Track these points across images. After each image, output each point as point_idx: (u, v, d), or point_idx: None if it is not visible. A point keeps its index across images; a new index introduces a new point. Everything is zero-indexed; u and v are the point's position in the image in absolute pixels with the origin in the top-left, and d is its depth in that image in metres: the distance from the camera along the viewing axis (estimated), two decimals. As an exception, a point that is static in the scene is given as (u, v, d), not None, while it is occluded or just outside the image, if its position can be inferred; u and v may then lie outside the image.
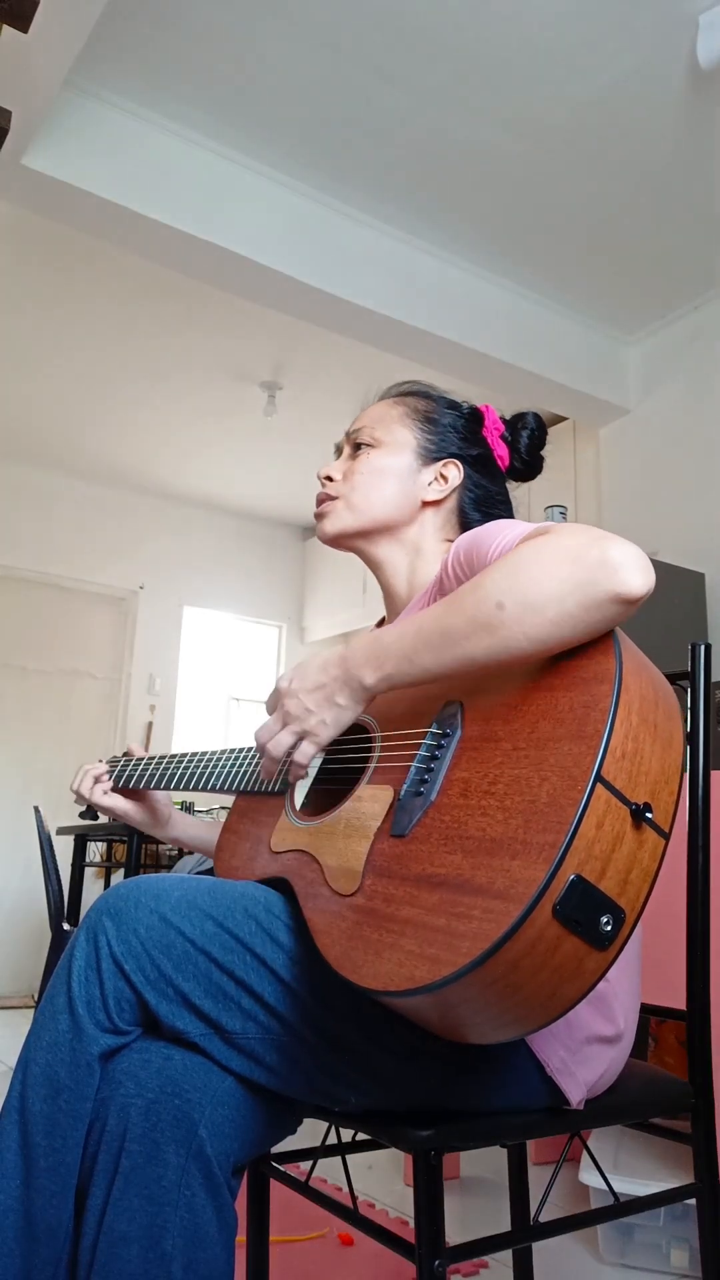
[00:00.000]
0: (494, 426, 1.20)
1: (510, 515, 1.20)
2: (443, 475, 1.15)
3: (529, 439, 1.21)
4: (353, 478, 1.16)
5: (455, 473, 1.16)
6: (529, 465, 1.22)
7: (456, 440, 1.18)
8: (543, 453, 1.23)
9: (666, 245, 3.29)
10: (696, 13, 2.39)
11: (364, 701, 0.88)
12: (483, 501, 1.18)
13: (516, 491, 1.24)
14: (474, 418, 1.20)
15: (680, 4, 2.37)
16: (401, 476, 1.15)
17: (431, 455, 1.16)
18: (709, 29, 2.37)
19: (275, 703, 0.93)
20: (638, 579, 0.74)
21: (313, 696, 0.89)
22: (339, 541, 1.17)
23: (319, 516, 1.18)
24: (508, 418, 1.23)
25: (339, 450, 1.22)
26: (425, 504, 1.15)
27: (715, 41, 2.36)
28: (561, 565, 0.76)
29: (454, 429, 1.18)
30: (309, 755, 0.90)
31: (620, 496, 3.82)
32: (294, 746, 0.90)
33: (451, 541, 1.15)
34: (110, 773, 1.22)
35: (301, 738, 0.90)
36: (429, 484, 1.15)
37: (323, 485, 1.19)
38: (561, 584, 0.75)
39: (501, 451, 1.20)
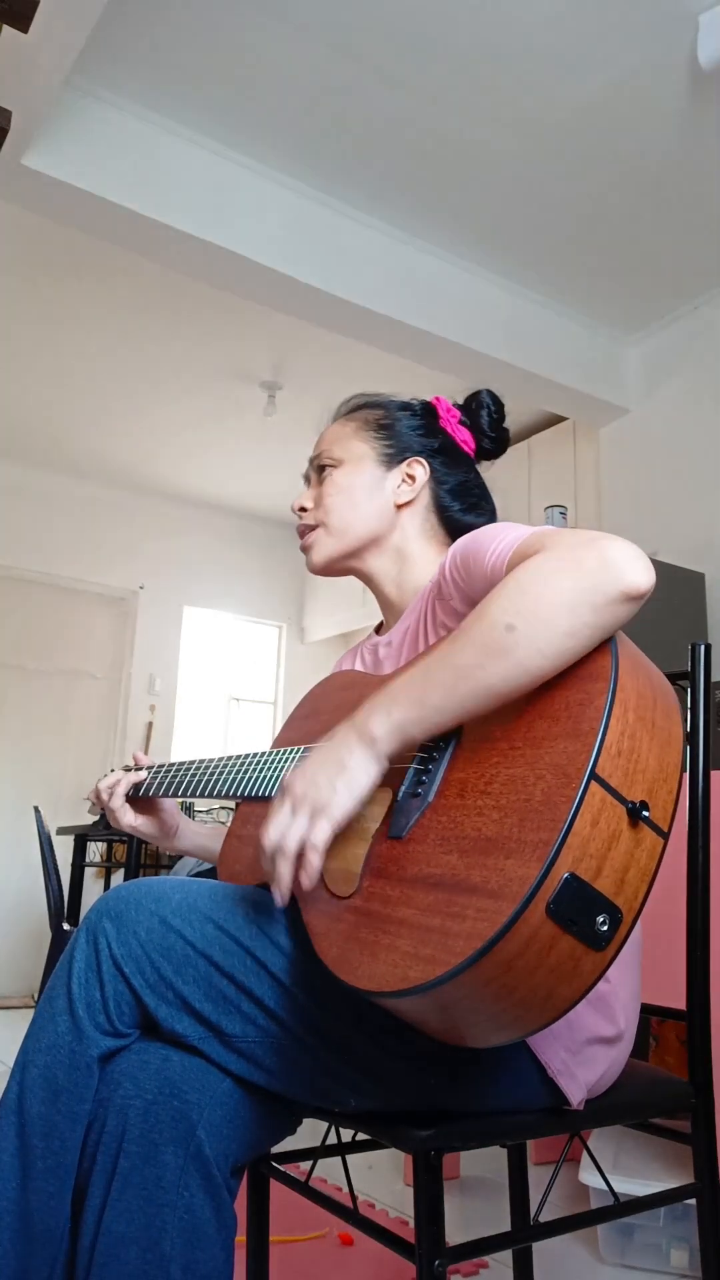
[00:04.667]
0: (449, 415, 1.20)
1: (488, 501, 1.19)
2: (409, 475, 1.15)
3: (488, 416, 1.21)
4: (324, 502, 1.15)
5: (420, 470, 1.15)
6: (495, 441, 1.21)
7: (415, 438, 1.17)
8: (506, 426, 1.22)
9: (666, 245, 3.28)
10: (696, 13, 2.39)
11: (381, 760, 0.80)
12: (458, 492, 1.17)
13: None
14: (428, 413, 1.20)
15: (680, 4, 2.37)
16: (369, 488, 1.14)
17: (393, 459, 1.15)
18: (709, 29, 2.37)
19: (279, 799, 0.82)
20: (641, 574, 0.75)
21: (321, 770, 0.80)
22: (330, 569, 1.17)
23: (304, 549, 1.18)
24: (460, 402, 1.22)
25: (307, 480, 1.22)
26: (399, 507, 1.14)
27: (715, 41, 2.36)
28: (565, 576, 0.76)
29: (410, 428, 1.18)
30: (326, 835, 0.78)
31: (620, 496, 3.81)
32: (309, 829, 0.78)
33: (437, 541, 1.15)
34: (135, 787, 1.20)
35: (315, 818, 0.78)
36: (398, 486, 1.15)
37: (299, 517, 1.18)
38: (569, 594, 0.75)
39: (464, 437, 1.19)
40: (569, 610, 0.74)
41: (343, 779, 0.79)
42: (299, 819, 0.79)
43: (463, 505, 1.17)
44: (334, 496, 1.15)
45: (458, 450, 1.19)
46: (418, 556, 1.14)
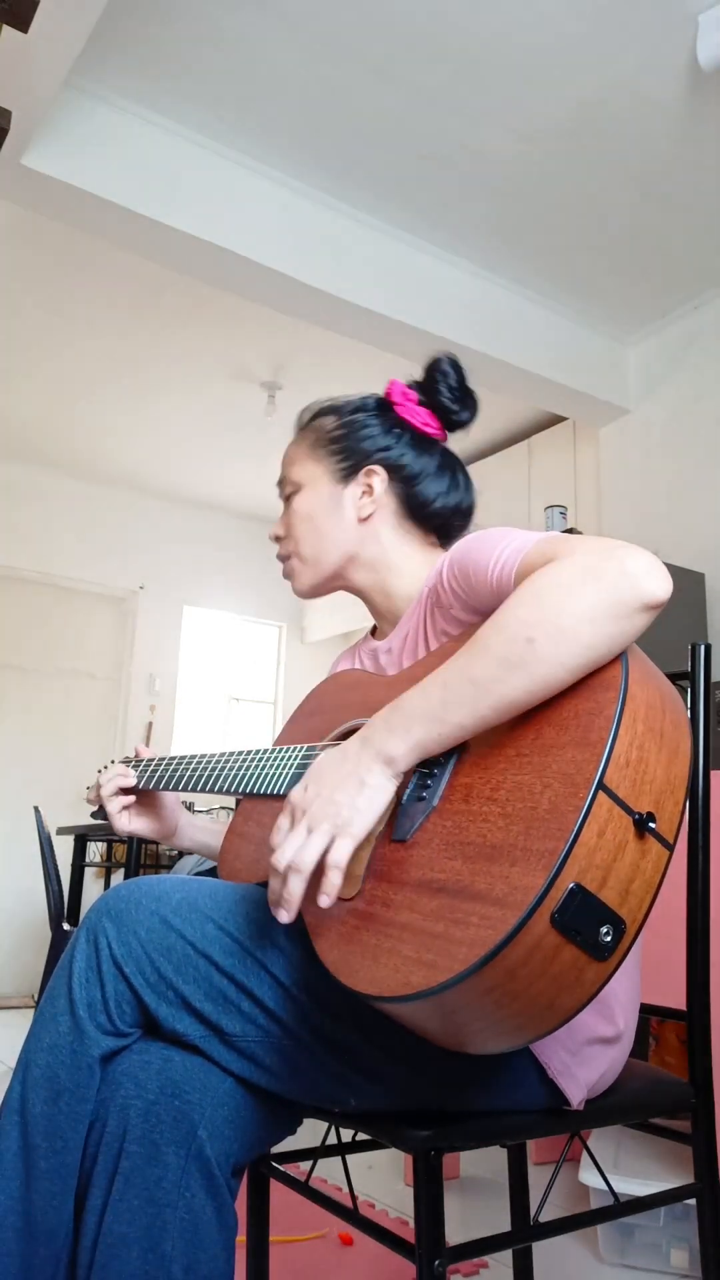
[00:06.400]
0: (405, 400, 1.13)
1: (460, 475, 1.15)
2: (367, 486, 1.10)
3: (448, 387, 1.12)
4: (293, 531, 1.13)
5: (378, 479, 1.10)
6: (462, 407, 1.13)
7: (371, 442, 1.12)
8: (470, 386, 1.14)
9: (666, 245, 3.28)
10: (696, 13, 2.39)
11: (398, 777, 0.80)
12: (427, 478, 1.12)
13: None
14: (383, 406, 1.14)
15: (680, 4, 2.37)
16: (329, 510, 1.11)
17: (349, 473, 1.11)
18: (709, 29, 2.37)
19: (291, 816, 0.81)
20: (660, 584, 0.75)
21: (339, 789, 0.79)
22: (316, 593, 1.15)
23: (286, 577, 1.16)
24: (419, 379, 1.15)
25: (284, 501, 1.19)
26: (363, 521, 1.10)
27: (715, 41, 2.36)
28: (584, 587, 0.75)
29: (366, 432, 1.12)
30: (346, 854, 0.77)
31: (620, 496, 3.82)
32: (327, 850, 0.78)
33: (417, 541, 1.12)
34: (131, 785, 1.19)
35: (334, 837, 0.77)
36: (358, 501, 1.10)
37: (277, 545, 1.16)
38: (590, 606, 0.74)
39: (424, 419, 1.12)
40: (590, 622, 0.74)
41: (363, 797, 0.79)
42: (316, 838, 0.78)
43: (434, 492, 1.12)
44: (299, 525, 1.12)
45: (421, 436, 1.13)
46: (400, 563, 1.10)
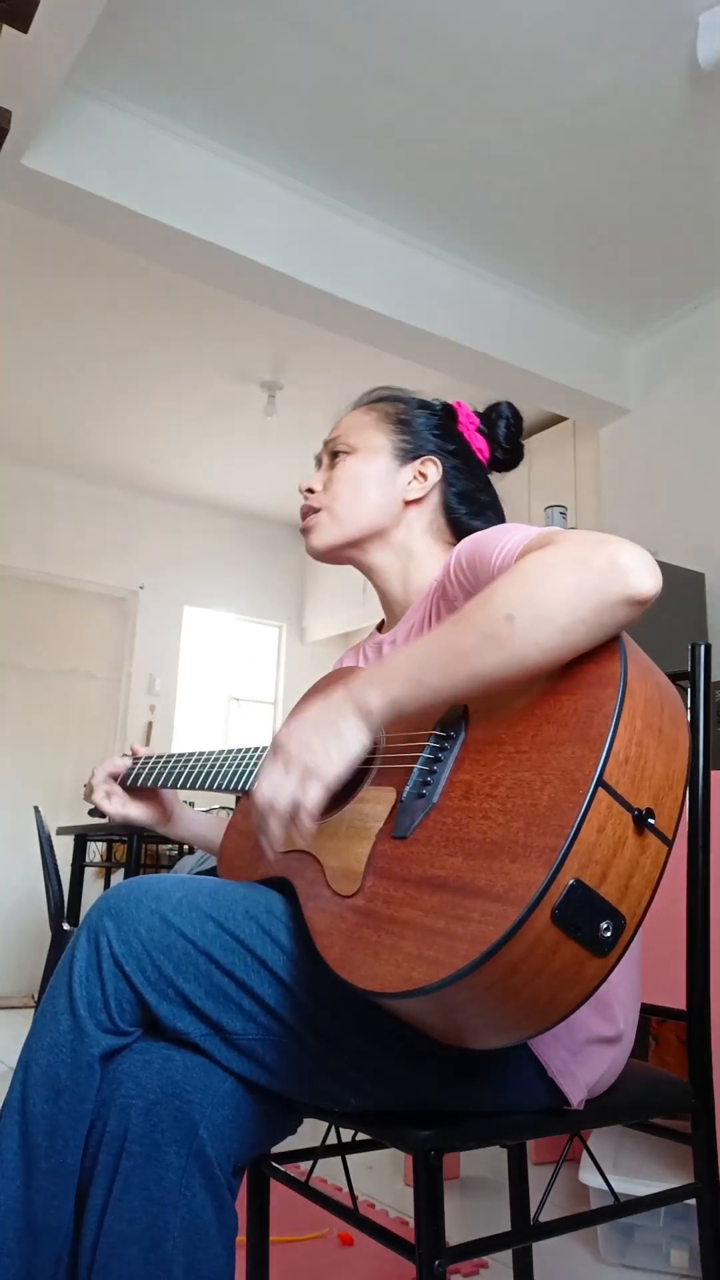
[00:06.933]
0: (468, 421, 1.20)
1: (496, 508, 1.19)
2: (421, 473, 1.15)
3: (506, 428, 1.21)
4: (333, 487, 1.15)
5: (434, 469, 1.15)
6: (509, 454, 1.22)
7: (432, 438, 1.17)
8: (522, 440, 1.23)
9: (666, 245, 3.29)
10: (696, 13, 2.39)
11: (372, 730, 0.83)
12: (467, 497, 1.17)
13: (503, 483, 1.24)
14: (448, 415, 1.20)
15: (680, 4, 2.37)
16: (381, 480, 1.14)
17: (408, 455, 1.15)
18: (709, 29, 2.37)
19: (272, 752, 0.85)
20: (648, 580, 0.75)
21: (316, 733, 0.82)
22: (329, 555, 1.16)
23: (305, 531, 1.17)
24: (481, 410, 1.22)
25: (319, 462, 1.21)
26: (408, 504, 1.14)
27: (715, 41, 2.36)
28: (571, 573, 0.76)
29: (428, 428, 1.18)
30: (317, 798, 0.80)
31: (620, 496, 3.82)
32: (301, 792, 0.81)
33: (443, 541, 1.15)
34: (125, 776, 1.20)
35: (307, 781, 0.81)
36: (409, 483, 1.14)
37: (305, 498, 1.18)
38: (573, 591, 0.75)
39: (479, 444, 1.19)
40: (570, 607, 0.75)
41: (337, 745, 0.81)
42: (291, 778, 0.81)
43: (470, 510, 1.16)
44: (344, 483, 1.14)
45: (472, 456, 1.18)
46: (423, 555, 1.13)
